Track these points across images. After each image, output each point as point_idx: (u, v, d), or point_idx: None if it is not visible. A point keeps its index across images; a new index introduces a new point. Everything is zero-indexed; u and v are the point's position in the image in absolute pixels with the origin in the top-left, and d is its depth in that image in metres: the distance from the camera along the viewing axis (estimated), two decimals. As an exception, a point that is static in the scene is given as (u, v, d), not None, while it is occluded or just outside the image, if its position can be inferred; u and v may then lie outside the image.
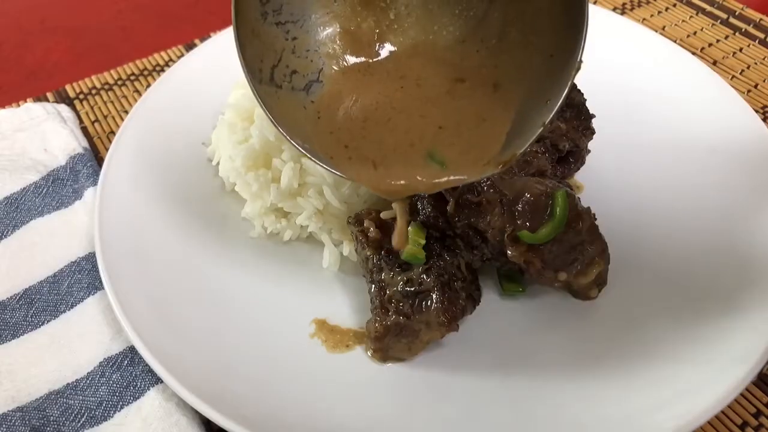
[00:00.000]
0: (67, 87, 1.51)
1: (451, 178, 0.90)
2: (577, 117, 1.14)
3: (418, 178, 0.91)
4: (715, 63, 1.52)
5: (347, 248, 1.11)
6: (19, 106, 1.44)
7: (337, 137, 0.94)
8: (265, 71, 0.94)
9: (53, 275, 1.11)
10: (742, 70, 1.50)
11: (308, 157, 0.91)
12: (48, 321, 1.06)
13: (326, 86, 0.98)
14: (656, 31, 1.52)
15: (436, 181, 0.91)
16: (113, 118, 1.44)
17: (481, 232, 0.99)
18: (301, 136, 0.92)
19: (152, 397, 0.95)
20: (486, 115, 0.93)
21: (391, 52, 1.00)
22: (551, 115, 0.84)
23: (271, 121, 0.92)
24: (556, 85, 0.86)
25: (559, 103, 0.84)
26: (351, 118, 0.95)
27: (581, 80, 1.14)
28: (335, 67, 0.99)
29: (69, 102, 1.48)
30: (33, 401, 0.96)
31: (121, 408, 0.95)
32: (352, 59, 0.99)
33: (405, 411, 0.92)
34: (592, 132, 1.16)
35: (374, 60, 0.99)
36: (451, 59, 0.97)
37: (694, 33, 1.61)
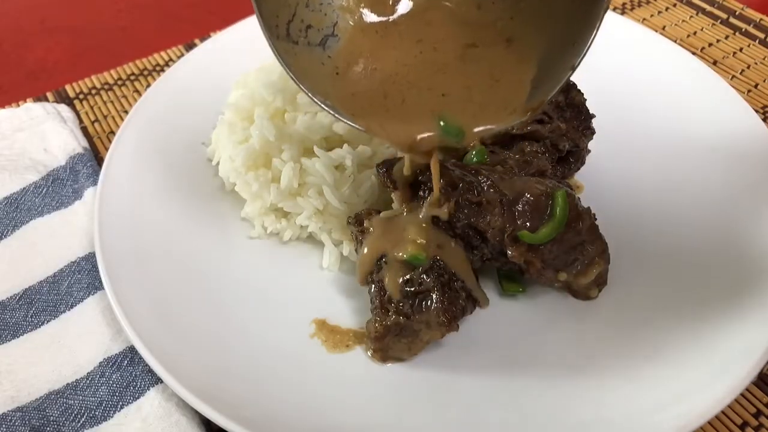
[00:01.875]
0: (67, 87, 1.51)
1: (478, 128, 0.89)
2: (577, 117, 1.14)
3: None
4: (715, 63, 1.52)
5: (347, 248, 1.11)
6: (19, 106, 1.44)
7: (357, 93, 0.93)
8: (281, 27, 0.93)
9: (53, 275, 1.11)
10: (742, 70, 1.50)
11: (331, 113, 0.91)
12: (48, 321, 1.06)
13: (342, 41, 0.97)
14: (656, 31, 1.52)
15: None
16: (113, 118, 1.44)
17: (481, 232, 0.99)
18: (321, 93, 0.92)
19: (152, 397, 0.95)
20: (506, 65, 0.92)
21: (406, 4, 0.98)
22: (580, 58, 0.83)
23: (292, 78, 0.91)
24: (583, 27, 0.84)
25: (587, 45, 0.83)
26: (369, 73, 0.94)
27: (581, 80, 1.14)
28: (350, 21, 0.98)
29: (69, 102, 1.48)
30: (33, 401, 0.96)
31: (121, 408, 0.95)
32: (366, 12, 0.99)
33: (405, 411, 0.92)
34: (592, 132, 1.16)
35: (389, 12, 0.98)
36: (467, 12, 0.96)
37: (694, 33, 1.61)
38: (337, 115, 0.91)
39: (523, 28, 0.93)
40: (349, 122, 0.91)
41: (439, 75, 0.93)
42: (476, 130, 0.89)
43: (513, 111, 0.89)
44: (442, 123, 0.89)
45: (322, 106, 0.90)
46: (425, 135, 0.90)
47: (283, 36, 0.93)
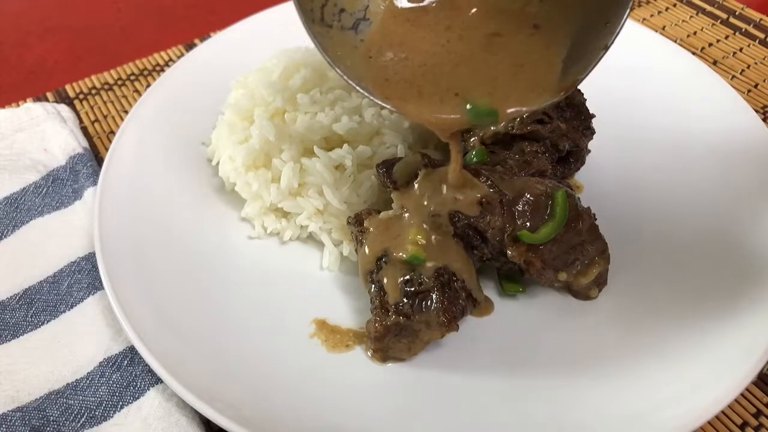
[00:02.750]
0: (67, 87, 1.51)
1: (511, 110, 0.90)
2: (577, 117, 1.14)
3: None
4: (715, 63, 1.52)
5: (347, 248, 1.11)
6: (19, 106, 1.44)
7: (390, 78, 0.94)
8: (316, 11, 0.95)
9: (53, 275, 1.11)
10: (742, 70, 1.50)
11: (365, 95, 0.92)
12: (48, 321, 1.06)
13: (373, 25, 0.98)
14: (656, 31, 1.52)
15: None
16: (113, 118, 1.44)
17: (481, 232, 0.99)
18: (355, 76, 0.93)
19: (152, 397, 0.95)
20: (536, 46, 0.93)
21: None
22: (613, 38, 0.84)
23: (328, 62, 0.92)
24: (615, 7, 0.85)
25: (620, 25, 0.84)
26: (401, 58, 0.95)
27: (581, 80, 1.14)
28: (381, 5, 0.99)
29: (69, 102, 1.48)
30: (33, 401, 0.96)
31: (121, 408, 0.95)
32: None
33: (405, 411, 0.92)
34: (592, 132, 1.16)
35: None
36: None
37: (694, 33, 1.61)
38: (371, 97, 0.92)
39: (552, 9, 0.93)
40: (382, 104, 0.92)
41: (470, 58, 0.94)
42: (509, 110, 0.89)
43: (544, 91, 0.89)
44: (471, 106, 0.90)
45: (357, 87, 0.92)
46: (456, 116, 0.91)
47: (318, 20, 0.95)
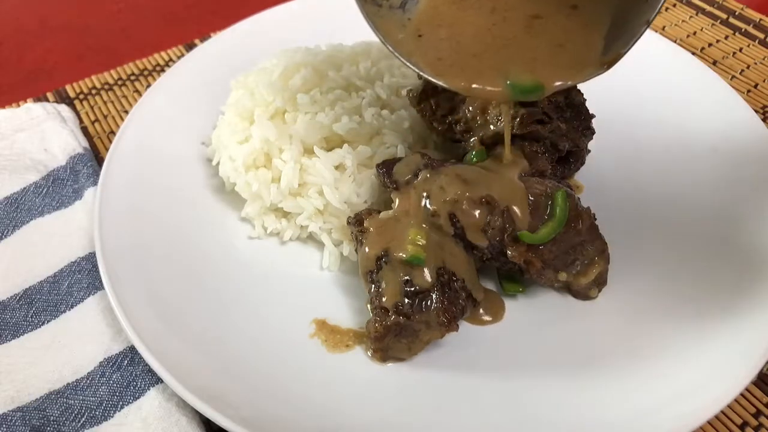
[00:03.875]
0: (67, 87, 1.51)
1: (557, 83, 0.94)
2: (577, 117, 1.14)
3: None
4: (715, 63, 1.52)
5: (347, 248, 1.11)
6: (19, 106, 1.44)
7: (441, 56, 0.98)
8: None
9: (53, 275, 1.11)
10: (742, 70, 1.50)
11: (415, 71, 0.97)
12: (48, 321, 1.06)
13: (420, 4, 1.03)
14: (656, 32, 1.52)
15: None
16: (113, 118, 1.44)
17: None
18: (405, 52, 0.97)
19: (152, 397, 0.95)
20: (575, 27, 0.97)
21: None
22: (655, 13, 0.88)
23: (380, 39, 0.96)
24: None
25: (661, 1, 0.87)
26: (448, 36, 0.99)
27: (581, 80, 1.14)
28: None
29: (69, 102, 1.48)
30: (33, 401, 0.96)
31: (121, 408, 0.95)
32: None
33: (405, 411, 0.92)
34: (592, 132, 1.16)
35: None
36: None
37: (694, 33, 1.61)
38: (421, 72, 0.97)
39: None
40: (432, 79, 0.97)
41: (514, 39, 0.98)
42: (555, 84, 0.94)
43: (586, 67, 0.94)
44: (514, 82, 0.94)
45: (407, 64, 0.97)
46: (500, 90, 0.95)
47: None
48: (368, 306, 1.03)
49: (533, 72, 0.94)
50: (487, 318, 1.03)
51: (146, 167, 1.21)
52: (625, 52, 0.92)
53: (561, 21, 0.98)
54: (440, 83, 0.97)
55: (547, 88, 0.94)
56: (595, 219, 1.02)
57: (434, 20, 1.01)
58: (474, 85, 0.96)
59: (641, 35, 0.90)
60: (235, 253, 1.13)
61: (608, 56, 0.93)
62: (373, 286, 0.99)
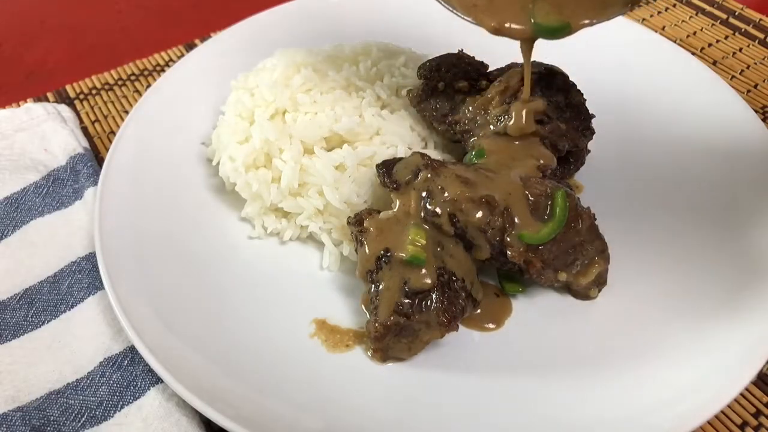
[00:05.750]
0: (67, 87, 1.51)
1: (583, 21, 0.96)
2: (577, 117, 1.14)
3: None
4: (715, 63, 1.52)
5: (347, 248, 1.11)
6: (19, 106, 1.44)
7: (476, 2, 1.01)
8: None
9: (53, 275, 1.11)
10: (742, 70, 1.50)
11: (450, 11, 1.00)
12: (48, 321, 1.06)
13: None
14: (656, 31, 1.52)
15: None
16: (113, 118, 1.44)
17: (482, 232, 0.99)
18: None
19: (152, 397, 0.95)
20: None
21: None
22: None
23: None
24: None
25: None
26: None
27: (581, 80, 1.14)
28: None
29: (69, 102, 1.48)
30: (33, 401, 0.96)
31: (122, 408, 0.95)
32: None
33: (405, 411, 0.92)
34: (592, 132, 1.16)
35: None
36: None
37: (694, 33, 1.61)
38: (456, 12, 1.01)
39: None
40: (466, 18, 1.00)
41: None
42: (581, 22, 0.96)
43: (611, 5, 0.96)
44: (541, 22, 0.97)
45: (444, 5, 1.01)
46: (523, 27, 0.98)
47: None
48: (362, 306, 1.03)
49: (560, 13, 0.96)
50: (490, 326, 1.03)
51: (146, 167, 1.21)
52: None
53: None
54: (470, 20, 0.99)
55: (573, 26, 0.96)
56: (595, 219, 1.02)
57: None
58: (505, 25, 0.98)
59: None
60: (235, 253, 1.13)
61: None
62: (373, 286, 0.99)
